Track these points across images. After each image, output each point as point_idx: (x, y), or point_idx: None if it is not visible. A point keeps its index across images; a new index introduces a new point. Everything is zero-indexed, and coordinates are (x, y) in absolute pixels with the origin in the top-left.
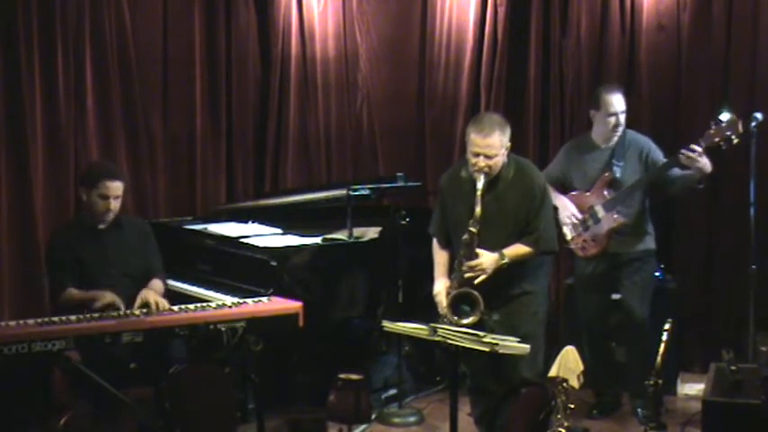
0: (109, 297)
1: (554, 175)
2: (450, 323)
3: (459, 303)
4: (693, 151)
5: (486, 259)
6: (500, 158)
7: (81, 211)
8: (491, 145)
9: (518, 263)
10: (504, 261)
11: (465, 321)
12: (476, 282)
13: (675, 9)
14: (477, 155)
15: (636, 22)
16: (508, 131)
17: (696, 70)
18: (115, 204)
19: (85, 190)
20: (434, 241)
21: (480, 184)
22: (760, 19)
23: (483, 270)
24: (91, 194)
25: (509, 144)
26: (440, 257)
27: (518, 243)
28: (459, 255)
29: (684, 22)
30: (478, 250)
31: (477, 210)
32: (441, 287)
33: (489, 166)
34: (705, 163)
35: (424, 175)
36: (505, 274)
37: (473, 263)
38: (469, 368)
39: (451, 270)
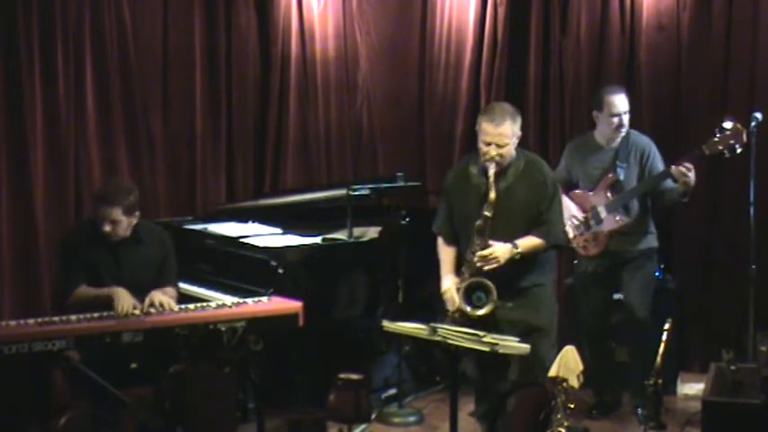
0: (126, 297)
1: (562, 176)
2: (464, 314)
3: (472, 293)
4: (685, 167)
5: (499, 248)
6: (510, 148)
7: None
8: (502, 133)
9: (529, 255)
10: (516, 251)
11: (480, 312)
12: (485, 268)
13: (675, 9)
14: (489, 143)
15: (636, 22)
16: (519, 121)
17: (696, 70)
18: (111, 228)
19: (94, 206)
20: (439, 239)
21: (492, 171)
22: (760, 19)
23: (496, 259)
24: (96, 213)
25: (519, 133)
26: (446, 255)
27: (530, 235)
28: (472, 243)
29: (684, 22)
30: (490, 241)
31: (492, 195)
32: (449, 284)
33: (501, 155)
34: (692, 178)
35: (424, 175)
36: (516, 267)
37: (486, 252)
38: (478, 365)
39: (458, 267)
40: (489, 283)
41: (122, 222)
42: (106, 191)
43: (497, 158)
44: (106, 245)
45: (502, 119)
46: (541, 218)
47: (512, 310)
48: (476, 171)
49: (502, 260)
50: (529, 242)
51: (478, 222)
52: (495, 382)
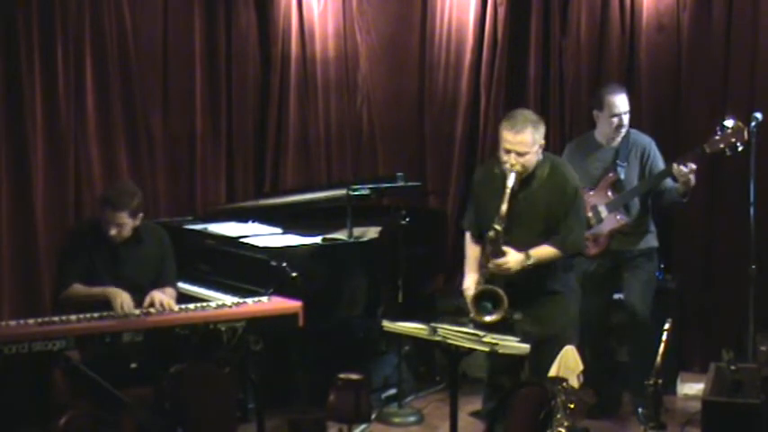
0: (123, 296)
1: None
2: (474, 319)
3: (483, 300)
4: (686, 166)
5: (512, 258)
6: (532, 156)
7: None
8: (522, 142)
9: (545, 264)
10: (529, 262)
11: (487, 319)
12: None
13: (675, 9)
14: (509, 152)
15: (636, 22)
16: (542, 129)
17: (696, 70)
18: (119, 230)
19: (99, 210)
20: (467, 235)
21: (510, 182)
22: (760, 19)
23: (508, 270)
24: (101, 216)
25: (543, 142)
26: (471, 252)
27: (545, 244)
28: (486, 251)
29: (684, 22)
30: (505, 248)
31: (503, 207)
32: (470, 282)
33: (521, 164)
34: (692, 178)
35: (424, 175)
36: (535, 273)
37: (499, 261)
38: (491, 363)
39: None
40: (500, 292)
41: (127, 225)
42: (112, 195)
43: (517, 168)
44: (107, 245)
45: (522, 127)
46: (559, 226)
47: (521, 319)
48: (500, 172)
49: (513, 270)
50: (542, 251)
51: (490, 234)
52: (506, 382)
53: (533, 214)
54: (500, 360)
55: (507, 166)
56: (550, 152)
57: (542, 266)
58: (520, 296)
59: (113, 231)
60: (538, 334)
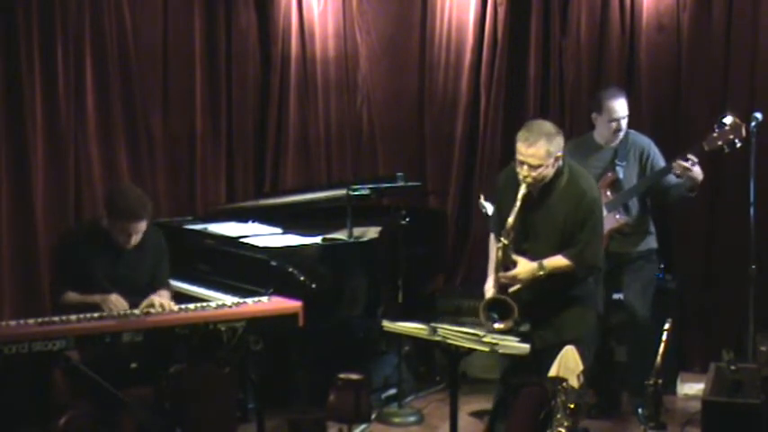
0: (111, 298)
1: None
2: (482, 324)
3: (492, 309)
4: (686, 160)
5: (523, 269)
6: (546, 169)
7: (101, 223)
8: (534, 155)
9: (558, 274)
10: (541, 272)
11: (496, 326)
12: (510, 291)
13: (675, 9)
14: (522, 163)
15: (636, 22)
16: (557, 142)
17: (696, 70)
18: (136, 238)
19: (108, 218)
20: (491, 236)
21: (521, 194)
22: (760, 19)
23: (519, 280)
24: (113, 225)
25: (559, 154)
26: (493, 254)
27: (560, 255)
28: (497, 260)
29: (684, 22)
30: (517, 258)
31: (510, 220)
32: (490, 284)
33: (533, 177)
34: (698, 172)
35: (424, 175)
36: (550, 281)
37: (509, 274)
38: (506, 362)
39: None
40: (511, 302)
41: (142, 231)
42: (131, 205)
43: (528, 180)
44: (108, 247)
45: (535, 139)
46: (574, 238)
47: (539, 324)
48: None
49: (524, 280)
50: (557, 262)
51: (498, 245)
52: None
53: (551, 226)
54: (516, 359)
55: (520, 177)
56: None
57: (555, 277)
58: (537, 300)
59: (133, 240)
60: (554, 340)
